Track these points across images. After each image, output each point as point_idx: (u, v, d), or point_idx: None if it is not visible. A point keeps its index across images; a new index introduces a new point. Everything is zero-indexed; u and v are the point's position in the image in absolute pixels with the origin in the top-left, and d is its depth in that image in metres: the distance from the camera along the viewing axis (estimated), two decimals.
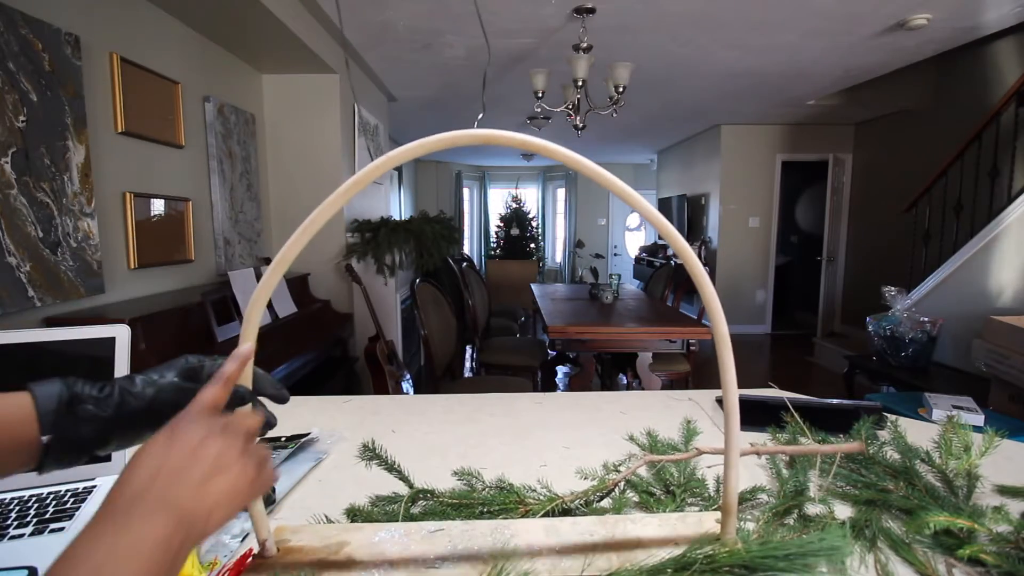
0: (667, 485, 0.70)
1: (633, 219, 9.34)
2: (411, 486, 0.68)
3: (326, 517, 0.64)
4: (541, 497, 0.65)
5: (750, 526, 0.61)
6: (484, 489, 0.68)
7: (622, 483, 0.68)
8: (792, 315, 6.59)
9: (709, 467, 0.77)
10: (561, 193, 9.55)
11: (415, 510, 0.65)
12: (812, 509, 0.65)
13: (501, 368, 3.04)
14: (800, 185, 6.40)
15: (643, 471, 0.77)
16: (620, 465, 0.78)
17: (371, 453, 0.70)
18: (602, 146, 7.39)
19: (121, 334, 0.75)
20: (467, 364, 4.38)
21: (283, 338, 2.36)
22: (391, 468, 0.69)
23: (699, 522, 0.50)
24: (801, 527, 0.61)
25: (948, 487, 0.68)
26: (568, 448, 0.90)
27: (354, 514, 0.65)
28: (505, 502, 0.63)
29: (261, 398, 0.46)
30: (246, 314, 0.43)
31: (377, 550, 0.47)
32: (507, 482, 0.69)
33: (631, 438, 0.89)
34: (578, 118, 2.94)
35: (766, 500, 0.68)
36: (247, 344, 0.43)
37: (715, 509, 0.65)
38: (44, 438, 0.37)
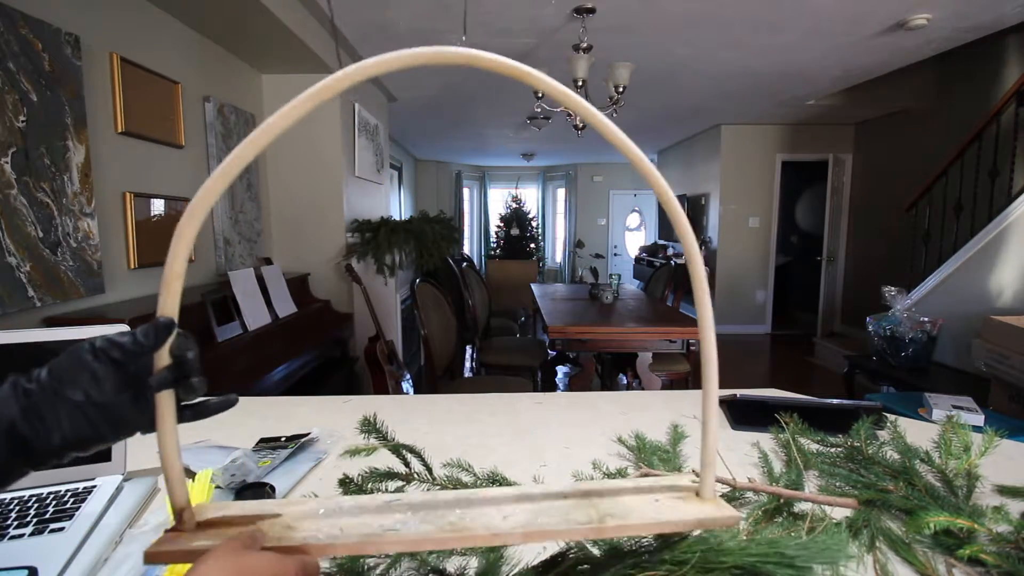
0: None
1: (633, 219, 9.34)
2: (406, 464, 0.68)
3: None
4: None
5: (741, 525, 0.61)
6: (478, 481, 0.69)
7: None
8: (792, 315, 6.59)
9: (697, 447, 0.77)
10: (561, 193, 9.55)
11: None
12: (806, 508, 0.65)
13: (501, 368, 3.04)
14: (800, 185, 6.41)
15: (631, 469, 0.77)
16: (618, 472, 0.78)
17: (370, 426, 0.69)
18: (602, 146, 7.40)
19: None
20: (467, 364, 4.38)
21: (283, 338, 2.36)
22: (393, 447, 0.69)
23: (674, 482, 0.48)
24: (791, 524, 0.61)
25: (948, 487, 0.68)
26: (568, 448, 0.90)
27: (347, 483, 0.65)
28: None
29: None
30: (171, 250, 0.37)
31: (323, 521, 0.42)
32: (500, 474, 0.69)
33: (620, 440, 0.89)
34: (578, 118, 2.94)
35: (756, 499, 0.68)
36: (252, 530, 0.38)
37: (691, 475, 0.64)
38: None
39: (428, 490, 0.66)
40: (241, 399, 0.46)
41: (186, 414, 0.40)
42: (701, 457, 0.44)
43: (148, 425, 0.39)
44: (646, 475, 0.72)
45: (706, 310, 0.43)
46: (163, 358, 0.38)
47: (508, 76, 0.37)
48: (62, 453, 0.38)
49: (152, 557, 0.37)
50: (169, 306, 0.38)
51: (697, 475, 0.46)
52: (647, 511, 0.42)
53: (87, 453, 0.39)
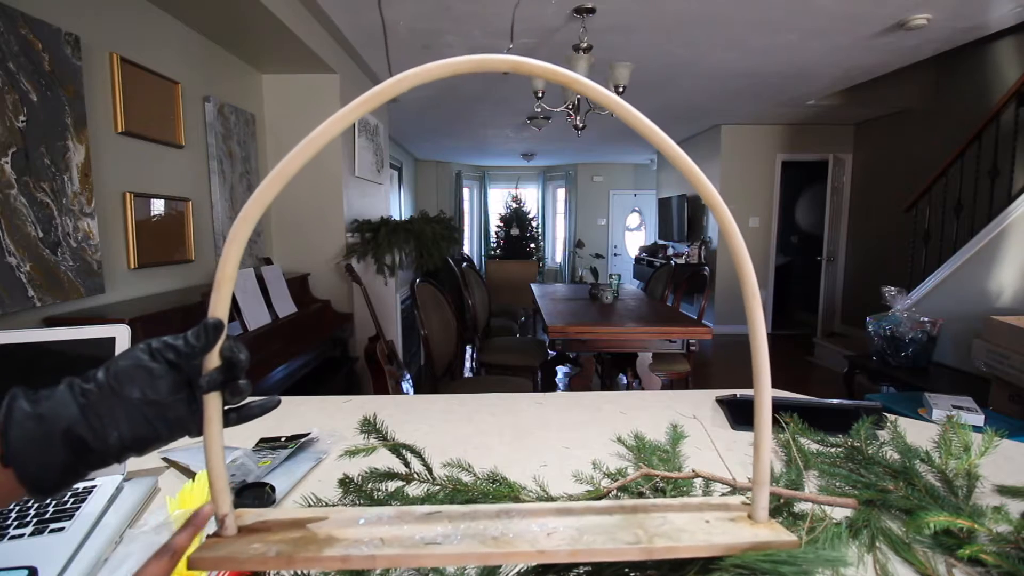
0: (655, 485, 0.71)
1: (633, 219, 9.34)
2: (406, 464, 0.68)
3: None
4: (533, 496, 0.66)
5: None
6: (478, 481, 0.69)
7: (615, 490, 0.69)
8: (792, 315, 6.59)
9: (697, 447, 0.77)
10: (561, 193, 9.55)
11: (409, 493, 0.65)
12: (806, 508, 0.65)
13: (501, 368, 3.04)
14: (800, 185, 6.41)
15: (632, 470, 0.77)
16: (617, 473, 0.79)
17: (370, 426, 0.69)
18: (602, 146, 7.39)
19: (121, 334, 0.75)
20: (467, 364, 4.38)
21: (283, 338, 2.36)
22: (393, 447, 0.68)
23: (724, 501, 0.46)
24: (791, 524, 0.61)
25: (948, 487, 0.68)
26: (568, 448, 0.90)
27: (347, 483, 0.65)
28: (499, 494, 0.64)
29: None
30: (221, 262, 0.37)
31: (363, 530, 0.41)
32: (500, 475, 0.69)
33: (619, 439, 0.89)
34: (578, 118, 2.94)
35: None
36: (208, 506, 0.40)
37: (736, 492, 0.64)
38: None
39: (427, 489, 0.66)
40: None
41: (231, 417, 0.41)
42: (754, 475, 0.42)
43: (198, 427, 0.39)
44: (646, 475, 0.72)
45: (758, 318, 0.41)
46: (213, 359, 0.39)
47: (556, 83, 0.38)
48: (120, 454, 0.38)
49: (196, 563, 0.37)
50: (220, 308, 0.38)
51: (748, 496, 0.44)
52: (698, 533, 0.41)
53: (142, 455, 0.40)
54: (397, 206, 7.00)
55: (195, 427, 0.40)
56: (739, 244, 0.40)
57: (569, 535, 0.40)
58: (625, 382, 3.38)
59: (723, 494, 0.68)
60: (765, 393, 0.41)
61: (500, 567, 0.52)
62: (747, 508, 0.44)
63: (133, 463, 0.80)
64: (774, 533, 0.41)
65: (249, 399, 0.42)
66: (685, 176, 0.39)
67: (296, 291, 2.77)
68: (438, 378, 2.38)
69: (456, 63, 0.36)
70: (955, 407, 2.03)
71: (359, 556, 0.38)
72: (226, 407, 0.40)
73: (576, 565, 0.46)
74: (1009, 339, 2.28)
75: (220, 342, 0.39)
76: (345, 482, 0.66)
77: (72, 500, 0.69)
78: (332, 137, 0.36)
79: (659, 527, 0.41)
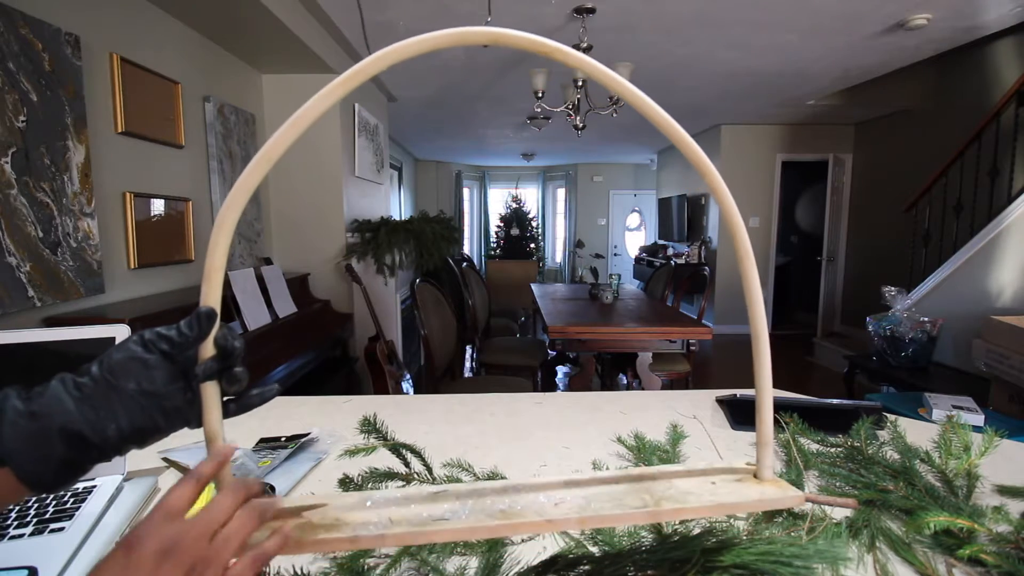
0: None
1: (633, 219, 9.34)
2: (406, 464, 0.67)
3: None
4: None
5: (740, 524, 0.61)
6: (478, 482, 0.69)
7: None
8: (792, 315, 6.59)
9: (697, 447, 0.77)
10: (561, 193, 9.55)
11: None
12: (807, 507, 0.65)
13: (501, 368, 3.04)
14: (800, 185, 6.41)
15: (630, 469, 0.77)
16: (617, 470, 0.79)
17: (370, 426, 0.69)
18: (602, 146, 7.40)
19: (121, 334, 0.75)
20: (467, 364, 4.38)
21: (283, 338, 2.36)
22: (393, 447, 0.69)
23: (728, 464, 0.46)
24: (791, 524, 0.61)
25: (948, 487, 0.68)
26: (568, 448, 0.90)
27: (347, 483, 0.65)
28: None
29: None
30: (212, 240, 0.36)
31: (371, 512, 0.41)
32: (500, 474, 0.69)
33: (619, 439, 0.89)
34: (578, 118, 2.94)
35: None
36: (226, 449, 0.39)
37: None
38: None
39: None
40: None
41: (230, 408, 0.41)
42: (757, 436, 0.42)
43: (197, 418, 0.39)
44: None
45: (756, 298, 0.43)
46: (208, 348, 0.39)
47: (536, 53, 0.37)
48: (120, 446, 0.38)
49: None
50: (211, 297, 0.38)
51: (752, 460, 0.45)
52: (704, 494, 0.41)
53: (143, 447, 0.40)
54: (397, 206, 7.00)
55: (194, 417, 0.40)
56: (734, 214, 0.41)
57: (576, 504, 0.40)
58: (625, 382, 3.38)
59: None
60: (765, 358, 0.41)
61: (502, 565, 0.52)
62: (752, 468, 0.44)
63: (133, 463, 0.80)
64: (780, 490, 0.41)
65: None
66: (674, 142, 0.39)
67: (296, 291, 2.77)
68: (438, 378, 2.38)
69: (436, 37, 0.36)
70: (955, 407, 2.03)
71: (368, 536, 0.38)
72: (224, 397, 0.40)
73: (578, 563, 0.46)
74: (1009, 339, 2.28)
75: (214, 331, 0.39)
76: (345, 482, 0.66)
77: (72, 500, 0.69)
78: (315, 117, 0.36)
79: (665, 491, 0.41)
